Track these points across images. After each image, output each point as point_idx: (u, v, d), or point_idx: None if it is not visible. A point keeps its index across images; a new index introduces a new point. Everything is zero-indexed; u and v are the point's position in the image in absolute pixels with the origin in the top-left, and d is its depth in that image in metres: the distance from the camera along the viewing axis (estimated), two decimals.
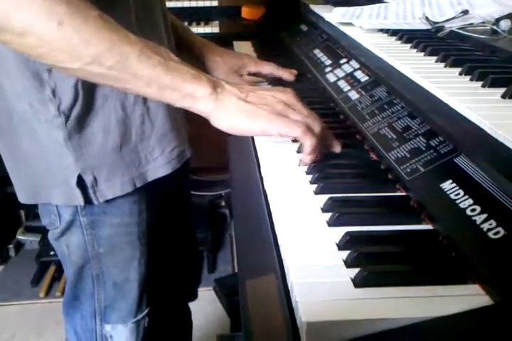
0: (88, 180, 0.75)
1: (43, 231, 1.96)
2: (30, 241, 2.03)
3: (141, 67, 0.59)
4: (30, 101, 0.70)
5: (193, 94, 0.62)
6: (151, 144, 0.78)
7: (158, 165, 0.80)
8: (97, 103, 0.72)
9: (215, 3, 1.75)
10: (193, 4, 1.75)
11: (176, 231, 1.05)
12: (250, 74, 1.04)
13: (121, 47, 0.58)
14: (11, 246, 2.02)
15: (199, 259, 1.86)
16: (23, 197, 0.81)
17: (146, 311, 0.91)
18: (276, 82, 1.04)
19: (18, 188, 0.81)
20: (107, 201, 0.78)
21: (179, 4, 1.75)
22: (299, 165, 0.70)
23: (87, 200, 0.77)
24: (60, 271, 1.86)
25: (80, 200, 0.76)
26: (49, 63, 0.60)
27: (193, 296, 1.22)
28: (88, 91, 0.70)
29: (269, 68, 1.03)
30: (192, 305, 1.25)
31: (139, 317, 0.90)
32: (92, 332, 0.91)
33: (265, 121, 0.64)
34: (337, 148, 0.72)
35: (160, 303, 0.97)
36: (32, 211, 2.10)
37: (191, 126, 0.95)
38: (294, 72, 1.05)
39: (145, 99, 0.75)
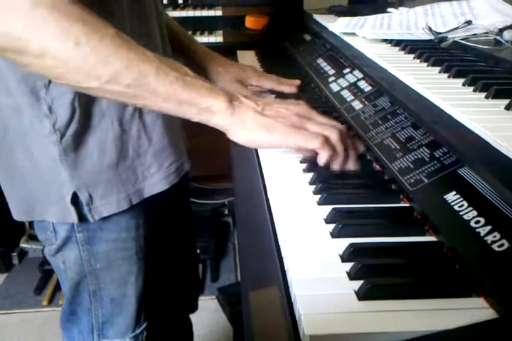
0: (83, 197, 0.74)
1: None
2: (34, 249, 2.03)
3: (158, 84, 0.59)
4: (27, 117, 0.70)
5: (210, 108, 0.62)
6: (148, 160, 0.78)
7: (156, 181, 0.79)
8: (94, 120, 0.71)
9: (219, 13, 1.76)
10: (197, 14, 1.76)
11: (175, 244, 1.04)
12: (252, 86, 1.04)
13: (139, 66, 0.58)
14: (14, 254, 2.02)
15: (199, 271, 1.84)
16: (17, 215, 0.80)
17: (144, 325, 0.90)
18: (279, 92, 1.05)
19: (12, 205, 0.80)
20: (103, 217, 0.77)
21: (183, 14, 1.76)
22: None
23: (83, 218, 0.76)
24: None
25: (74, 218, 0.75)
26: (67, 83, 0.60)
27: (194, 308, 1.21)
28: (85, 109, 0.70)
29: (270, 83, 1.03)
30: (195, 314, 1.24)
31: (137, 331, 0.90)
32: None
33: (283, 134, 0.64)
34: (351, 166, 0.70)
35: (160, 316, 0.97)
36: None
37: (193, 135, 0.95)
38: (297, 82, 1.04)
39: (141, 114, 0.74)
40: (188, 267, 1.14)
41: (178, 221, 1.04)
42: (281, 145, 0.66)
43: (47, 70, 0.57)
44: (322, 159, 0.66)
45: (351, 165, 0.70)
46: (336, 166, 0.68)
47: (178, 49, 0.97)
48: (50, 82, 0.67)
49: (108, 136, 0.72)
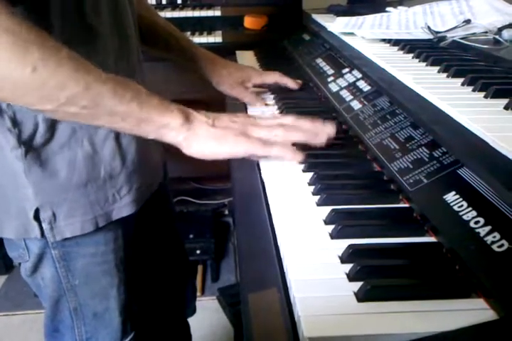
0: (46, 215, 0.72)
1: None
2: None
3: (115, 104, 0.59)
4: None
5: (167, 125, 0.63)
6: (120, 182, 0.75)
7: (124, 204, 0.77)
8: (61, 136, 0.69)
9: (217, 13, 1.76)
10: (196, 14, 1.76)
11: (161, 249, 1.02)
12: (255, 85, 1.04)
13: (96, 88, 0.57)
14: None
15: (193, 274, 1.83)
16: None
17: (132, 335, 0.88)
18: (280, 90, 1.05)
19: None
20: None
21: (182, 14, 1.76)
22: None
23: (43, 235, 0.73)
24: None
25: (37, 233, 0.72)
26: (21, 104, 0.59)
27: (192, 311, 1.20)
28: (51, 124, 0.68)
29: (273, 77, 1.03)
30: (195, 314, 1.24)
31: None
32: None
33: (232, 144, 0.66)
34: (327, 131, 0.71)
35: (154, 322, 0.96)
36: None
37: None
38: (299, 82, 1.05)
39: (117, 135, 0.73)
40: (180, 271, 1.12)
41: (161, 226, 1.02)
42: (231, 155, 0.67)
43: (3, 95, 0.56)
44: (285, 159, 0.69)
45: (327, 131, 0.71)
46: (312, 142, 0.70)
47: (178, 53, 0.97)
48: None
49: (77, 154, 0.70)
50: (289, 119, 0.72)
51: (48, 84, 0.54)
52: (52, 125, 0.67)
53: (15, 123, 0.66)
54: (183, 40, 1.00)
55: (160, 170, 0.88)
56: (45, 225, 0.72)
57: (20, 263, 0.81)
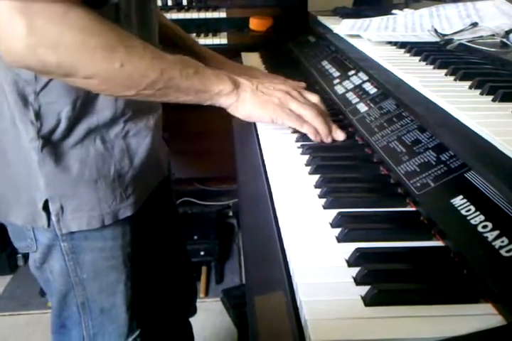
0: (54, 207, 0.73)
1: None
2: None
3: (182, 82, 0.69)
4: (9, 119, 0.70)
5: (220, 92, 0.74)
6: (127, 181, 0.78)
7: (130, 203, 0.79)
8: (77, 134, 0.72)
9: (223, 15, 1.76)
10: (202, 16, 1.76)
11: (165, 249, 1.03)
12: None
13: (168, 72, 0.67)
14: (19, 255, 2.02)
15: (193, 274, 1.84)
16: None
17: (137, 333, 0.89)
18: None
19: None
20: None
21: (188, 16, 1.76)
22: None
23: (49, 225, 0.74)
24: None
25: (44, 223, 0.74)
26: (105, 94, 0.68)
27: (192, 311, 1.21)
28: (72, 123, 0.71)
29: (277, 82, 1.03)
30: (199, 316, 1.24)
31: (130, 339, 0.88)
32: None
33: (272, 112, 0.77)
34: (339, 136, 0.81)
35: (157, 321, 0.96)
36: None
37: (197, 137, 0.95)
38: (303, 84, 1.05)
39: (126, 135, 0.76)
40: (181, 271, 1.13)
41: (164, 225, 1.02)
42: (269, 120, 0.78)
43: (91, 86, 0.65)
44: (310, 135, 0.79)
45: (337, 136, 0.81)
46: (322, 139, 0.80)
47: (184, 54, 0.97)
48: (40, 89, 0.68)
49: (90, 152, 0.73)
50: (319, 104, 0.83)
51: (132, 75, 0.64)
52: (74, 123, 0.71)
53: (38, 116, 0.69)
54: (189, 41, 1.02)
55: (164, 170, 0.90)
56: (52, 216, 0.74)
57: (26, 260, 0.82)
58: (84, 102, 0.70)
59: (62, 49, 0.58)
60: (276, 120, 0.78)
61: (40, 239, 0.78)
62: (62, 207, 0.74)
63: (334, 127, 0.81)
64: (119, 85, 0.64)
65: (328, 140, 0.80)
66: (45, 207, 0.73)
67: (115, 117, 0.74)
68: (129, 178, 0.77)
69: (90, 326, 0.85)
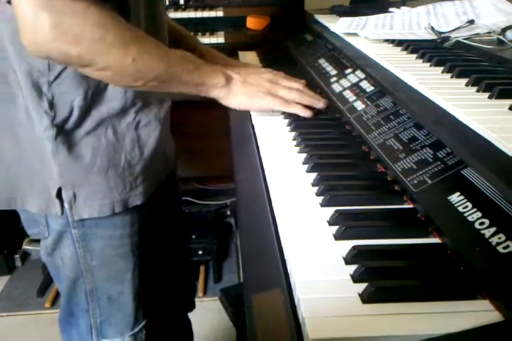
0: (67, 195, 0.76)
1: None
2: (37, 251, 2.02)
3: (184, 76, 0.76)
4: (23, 109, 0.72)
5: (215, 85, 0.80)
6: (137, 171, 0.80)
7: (139, 192, 0.81)
8: (89, 124, 0.74)
9: (220, 14, 1.76)
10: (199, 15, 1.76)
11: (168, 242, 1.04)
12: None
13: (173, 66, 0.74)
14: (17, 256, 2.01)
15: (193, 269, 1.85)
16: None
17: (143, 323, 0.91)
18: None
19: None
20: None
21: (185, 15, 1.76)
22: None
23: (63, 213, 0.77)
24: None
25: (57, 210, 0.77)
26: (115, 83, 0.73)
27: (191, 306, 1.22)
28: (83, 112, 0.73)
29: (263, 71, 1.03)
30: (198, 315, 1.24)
31: (136, 329, 0.90)
32: None
33: (261, 100, 0.85)
34: (319, 104, 0.90)
35: (157, 315, 0.97)
36: None
37: (195, 136, 0.96)
38: (303, 81, 1.05)
39: (137, 126, 0.79)
40: (181, 266, 1.14)
41: (169, 219, 1.04)
42: (259, 108, 0.86)
43: (103, 77, 0.70)
44: (299, 113, 0.88)
45: (319, 105, 0.90)
46: (308, 113, 0.88)
47: (185, 50, 0.98)
48: (54, 79, 0.71)
49: (102, 142, 0.76)
50: (300, 85, 0.90)
51: (142, 68, 0.69)
52: (85, 112, 0.74)
53: (52, 106, 0.72)
54: (190, 38, 1.02)
55: (172, 164, 0.93)
56: (65, 204, 0.76)
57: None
58: (95, 92, 0.73)
59: (83, 43, 0.63)
60: (266, 107, 0.86)
61: (53, 226, 0.80)
62: (74, 195, 0.76)
63: (318, 96, 0.92)
64: (129, 77, 0.70)
65: (319, 105, 0.90)
66: (59, 195, 0.76)
67: (125, 107, 0.76)
68: (138, 168, 0.80)
69: (98, 314, 0.87)
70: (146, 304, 0.91)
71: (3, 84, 0.71)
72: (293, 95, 0.87)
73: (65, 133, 0.73)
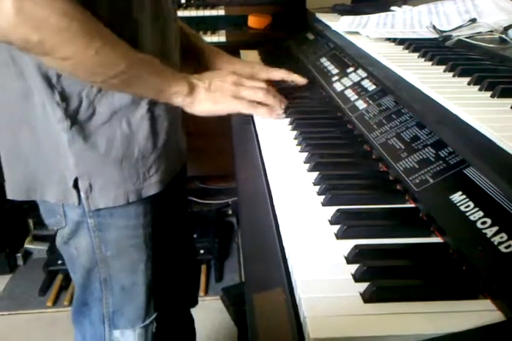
0: (83, 185, 0.78)
1: (51, 240, 1.96)
2: (38, 250, 2.03)
3: (145, 78, 0.75)
4: (39, 102, 0.74)
5: (177, 93, 0.79)
6: (150, 162, 0.82)
7: (152, 183, 0.83)
8: (103, 115, 0.76)
9: (221, 13, 1.75)
10: (200, 14, 1.75)
11: (175, 237, 1.05)
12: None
13: (135, 66, 0.73)
14: (19, 255, 2.01)
15: (198, 265, 1.86)
16: (15, 194, 0.82)
17: (154, 316, 0.93)
18: (286, 91, 1.04)
19: (11, 185, 0.83)
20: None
21: (186, 13, 1.75)
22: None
23: (80, 203, 0.79)
24: (67, 280, 1.86)
25: (75, 200, 0.79)
26: (73, 76, 0.72)
27: (194, 302, 1.23)
28: (92, 101, 0.75)
29: (280, 74, 1.03)
30: (199, 314, 1.24)
31: (147, 321, 0.92)
32: (100, 339, 0.92)
33: (225, 104, 0.84)
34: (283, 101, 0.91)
35: (163, 309, 0.97)
36: (40, 220, 2.10)
37: (196, 135, 0.96)
38: (305, 80, 1.04)
39: (150, 118, 0.80)
40: (188, 260, 1.16)
41: (178, 212, 1.06)
42: (226, 112, 0.85)
43: (63, 68, 0.69)
44: (265, 115, 0.89)
45: (281, 105, 0.90)
46: (274, 116, 0.89)
47: (187, 49, 0.99)
48: None
49: (116, 133, 0.77)
50: (264, 84, 0.89)
51: (103, 63, 0.69)
52: (94, 102, 0.75)
53: (63, 97, 0.73)
54: (192, 36, 1.02)
55: (183, 156, 0.94)
56: (82, 194, 0.78)
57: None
58: None
59: (45, 29, 0.62)
60: (233, 111, 0.85)
61: (69, 216, 0.82)
62: (90, 185, 0.78)
63: (280, 96, 0.91)
64: (89, 70, 0.69)
65: (282, 107, 0.90)
66: (75, 185, 0.78)
67: (136, 99, 0.77)
68: (152, 159, 0.82)
69: (110, 303, 0.89)
70: (157, 297, 0.93)
71: (21, 80, 0.73)
72: (258, 95, 0.87)
73: (79, 124, 0.75)
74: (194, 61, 1.03)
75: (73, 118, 0.74)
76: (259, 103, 0.88)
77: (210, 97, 0.82)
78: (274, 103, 0.89)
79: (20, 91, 0.74)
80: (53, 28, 0.63)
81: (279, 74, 1.04)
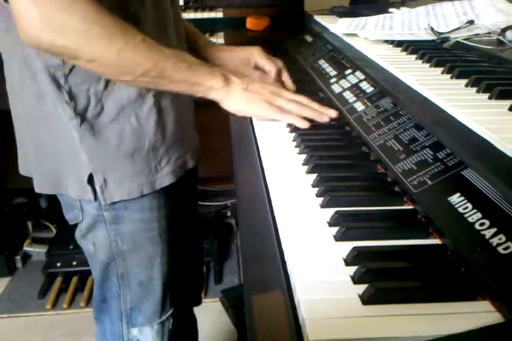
0: (98, 180, 0.81)
1: (50, 243, 1.96)
2: (37, 252, 2.03)
3: (175, 74, 0.76)
4: (51, 102, 0.77)
5: (211, 87, 0.81)
6: (160, 153, 0.84)
7: (165, 174, 0.85)
8: (111, 111, 0.78)
9: (220, 15, 1.76)
10: (199, 16, 1.76)
11: (187, 233, 1.07)
12: (259, 68, 1.03)
13: (162, 63, 0.74)
14: (18, 257, 2.01)
15: (203, 264, 1.87)
16: (41, 187, 0.86)
17: (171, 312, 0.95)
18: None
19: (39, 178, 0.86)
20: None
21: (185, 16, 1.75)
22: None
23: (96, 199, 0.81)
24: (66, 282, 1.86)
25: (90, 197, 0.81)
26: (107, 77, 0.75)
27: (198, 301, 1.24)
28: (100, 98, 0.77)
29: (277, 63, 1.02)
30: (199, 316, 1.24)
31: (164, 317, 0.94)
32: (119, 337, 0.94)
33: (258, 107, 0.85)
34: (321, 118, 0.88)
35: (179, 305, 0.99)
36: (39, 222, 2.10)
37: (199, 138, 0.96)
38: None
39: (157, 110, 0.81)
40: (196, 259, 1.17)
41: (188, 210, 1.07)
42: (257, 115, 0.88)
43: (93, 69, 0.72)
44: (296, 123, 0.86)
45: (329, 113, 0.88)
46: (305, 124, 0.86)
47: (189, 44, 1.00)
48: (69, 72, 0.75)
49: (126, 128, 0.79)
50: (304, 99, 0.89)
51: (128, 62, 0.72)
52: (102, 99, 0.78)
53: (71, 96, 0.76)
54: (188, 28, 1.02)
55: (196, 150, 0.95)
56: (97, 188, 0.81)
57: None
58: (108, 80, 0.77)
59: (67, 34, 0.67)
60: (263, 115, 0.87)
61: (86, 210, 0.85)
62: (105, 180, 0.81)
63: (325, 108, 0.88)
64: (117, 70, 0.72)
65: (323, 119, 0.87)
66: (90, 181, 0.81)
67: (142, 93, 0.79)
68: (162, 151, 0.84)
69: (128, 300, 0.91)
70: (173, 292, 0.95)
71: (34, 82, 0.76)
72: (292, 106, 0.87)
73: (88, 121, 0.77)
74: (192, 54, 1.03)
75: (82, 116, 0.77)
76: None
77: (245, 96, 0.83)
78: (310, 116, 0.87)
79: (35, 92, 0.77)
80: (74, 31, 0.67)
81: (276, 63, 1.02)
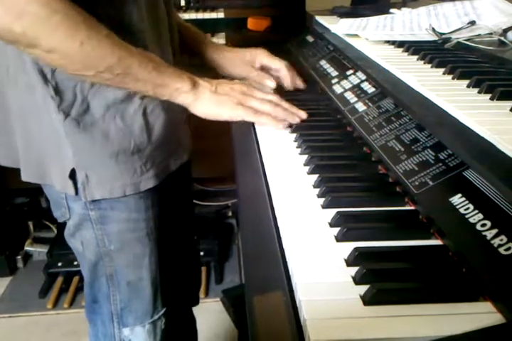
0: (80, 176, 0.79)
1: (51, 243, 1.96)
2: (38, 252, 2.03)
3: (140, 73, 0.73)
4: (41, 94, 0.76)
5: (178, 89, 0.78)
6: (145, 156, 0.82)
7: (150, 176, 0.83)
8: (96, 110, 0.77)
9: (221, 15, 1.76)
10: (200, 16, 1.76)
11: (179, 234, 1.06)
12: (263, 68, 1.03)
13: (127, 60, 0.71)
14: (19, 257, 2.02)
15: (200, 264, 1.88)
16: (28, 176, 0.85)
17: (163, 311, 0.94)
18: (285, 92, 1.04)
19: (25, 167, 0.85)
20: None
21: (186, 16, 1.76)
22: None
23: (77, 193, 0.80)
24: (67, 282, 1.86)
25: (71, 191, 0.80)
26: (68, 72, 0.72)
27: (196, 301, 1.24)
28: (87, 97, 0.76)
29: (281, 63, 1.03)
30: (199, 316, 1.24)
31: (156, 317, 0.93)
32: (111, 337, 0.94)
33: (229, 109, 0.82)
34: (293, 119, 0.87)
35: (170, 306, 0.98)
36: (40, 222, 2.10)
37: (196, 137, 0.96)
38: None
39: (143, 112, 0.80)
40: (191, 259, 1.17)
41: (182, 208, 1.06)
42: (229, 118, 0.83)
43: (52, 61, 0.69)
44: (269, 125, 0.86)
45: (300, 115, 0.88)
46: (280, 126, 0.86)
47: (187, 43, 1.00)
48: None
49: (111, 128, 0.78)
50: (275, 98, 0.87)
51: (91, 55, 0.68)
52: (89, 97, 0.76)
53: (57, 91, 0.75)
54: (189, 28, 1.03)
55: (183, 152, 0.93)
56: (79, 184, 0.80)
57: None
58: None
59: (26, 20, 0.63)
60: (236, 117, 0.83)
61: (73, 208, 0.84)
62: (87, 176, 0.79)
63: (295, 108, 0.88)
64: (78, 63, 0.69)
65: (295, 120, 0.87)
66: (72, 176, 0.79)
67: (130, 94, 0.77)
68: (147, 153, 0.82)
69: (118, 300, 0.91)
70: (164, 292, 0.94)
71: (25, 74, 0.75)
72: (265, 107, 0.84)
73: (73, 118, 0.76)
74: (190, 50, 1.02)
75: (67, 112, 0.75)
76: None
77: (214, 99, 0.81)
78: (283, 116, 0.86)
79: (26, 84, 0.76)
80: (33, 17, 0.63)
81: (279, 62, 1.02)
